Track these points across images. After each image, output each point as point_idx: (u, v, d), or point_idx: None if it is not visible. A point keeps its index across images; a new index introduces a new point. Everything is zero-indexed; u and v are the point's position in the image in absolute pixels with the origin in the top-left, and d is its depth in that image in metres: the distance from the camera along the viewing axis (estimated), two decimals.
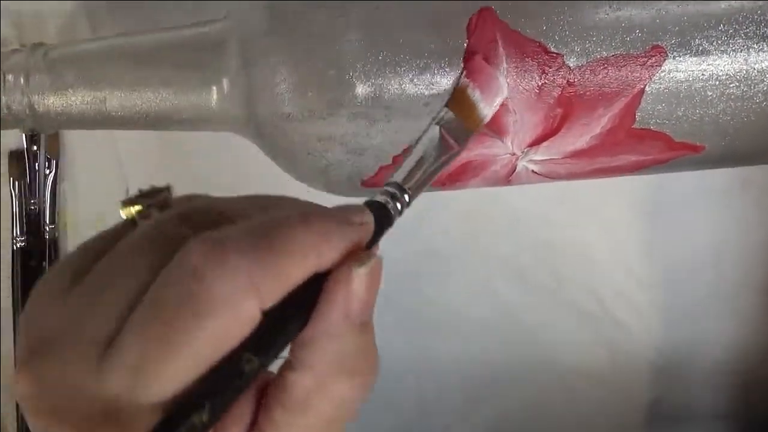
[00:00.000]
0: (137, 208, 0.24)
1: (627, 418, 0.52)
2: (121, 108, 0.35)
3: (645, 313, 0.50)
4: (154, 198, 0.25)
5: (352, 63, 0.31)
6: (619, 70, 0.30)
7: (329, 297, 0.22)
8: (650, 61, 0.30)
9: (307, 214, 0.22)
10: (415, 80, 0.31)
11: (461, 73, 0.31)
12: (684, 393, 0.52)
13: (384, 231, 0.26)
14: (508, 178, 0.34)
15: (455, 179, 0.34)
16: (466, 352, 0.51)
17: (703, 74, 0.31)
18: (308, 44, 0.31)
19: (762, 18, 0.30)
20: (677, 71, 0.31)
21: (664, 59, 0.30)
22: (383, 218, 0.27)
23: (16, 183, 0.46)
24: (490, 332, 0.51)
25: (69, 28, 0.44)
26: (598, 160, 0.33)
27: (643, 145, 0.32)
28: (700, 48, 0.30)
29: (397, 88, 0.31)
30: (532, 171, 0.34)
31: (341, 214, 0.23)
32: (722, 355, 0.51)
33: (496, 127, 0.32)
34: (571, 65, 0.30)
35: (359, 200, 0.38)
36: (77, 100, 0.35)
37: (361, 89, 0.31)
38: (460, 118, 0.30)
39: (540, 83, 0.31)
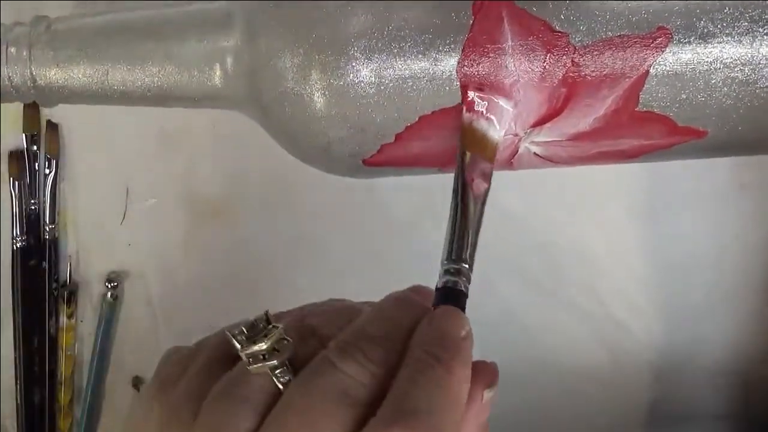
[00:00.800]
0: (271, 364, 0.25)
1: (627, 417, 0.52)
2: (123, 82, 0.35)
3: (645, 313, 0.50)
4: (283, 352, 0.25)
5: (356, 38, 0.31)
6: (624, 51, 0.30)
7: (469, 414, 0.26)
8: (655, 42, 0.30)
9: (436, 357, 0.25)
10: (419, 56, 0.31)
11: (462, 111, 0.31)
12: (684, 393, 0.51)
13: (465, 307, 0.29)
14: (510, 160, 0.34)
15: (454, 160, 0.34)
16: None
17: (707, 57, 0.31)
18: (312, 19, 0.31)
19: None
20: (682, 53, 0.31)
21: (669, 41, 0.30)
22: (462, 299, 0.29)
23: (16, 183, 0.46)
24: (490, 332, 0.50)
25: None
26: (601, 143, 0.33)
27: (647, 129, 0.32)
28: (706, 30, 0.30)
29: (401, 64, 0.31)
30: (535, 153, 0.34)
31: (451, 334, 0.27)
32: (722, 355, 0.51)
33: (498, 109, 0.32)
34: (577, 45, 0.30)
35: (360, 181, 0.38)
36: (79, 73, 0.35)
37: (365, 65, 0.31)
38: (476, 154, 0.31)
39: (545, 63, 0.31)
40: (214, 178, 0.48)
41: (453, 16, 0.31)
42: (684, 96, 0.31)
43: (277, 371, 0.25)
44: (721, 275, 0.49)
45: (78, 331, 0.50)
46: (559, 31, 0.30)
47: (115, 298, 0.49)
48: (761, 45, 0.30)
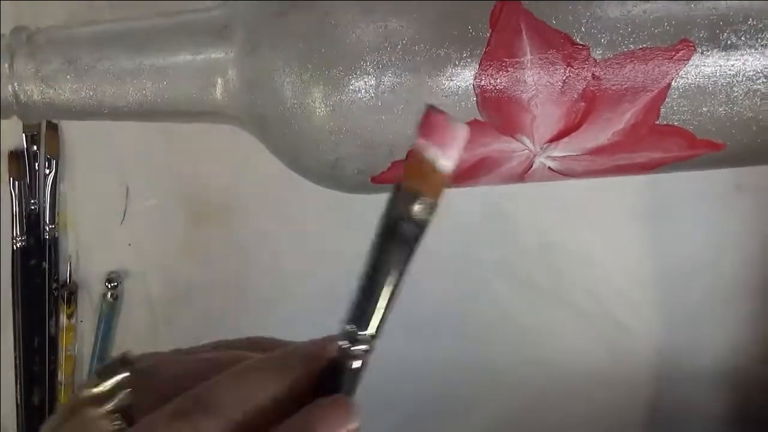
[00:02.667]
0: (103, 411, 0.23)
1: (627, 418, 0.52)
2: (113, 98, 0.33)
3: (645, 314, 0.51)
4: (119, 399, 0.23)
5: (368, 52, 0.29)
6: (646, 64, 0.29)
7: None
8: (678, 55, 0.29)
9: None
10: (434, 71, 0.29)
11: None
12: (683, 393, 0.52)
13: (353, 378, 0.24)
14: (524, 175, 0.33)
15: (468, 176, 0.33)
16: (465, 352, 0.51)
17: (730, 70, 0.30)
18: (322, 32, 0.30)
19: None
20: (704, 66, 0.30)
21: (692, 53, 0.29)
22: (355, 379, 0.24)
23: (16, 183, 0.46)
24: (490, 333, 0.51)
25: None
26: (618, 157, 0.32)
27: (665, 142, 0.31)
28: (729, 42, 0.29)
29: (415, 79, 0.30)
30: (549, 168, 0.33)
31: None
32: (722, 355, 0.51)
33: (512, 125, 0.30)
34: (597, 58, 0.29)
35: (368, 197, 0.37)
36: (66, 89, 0.33)
37: (377, 80, 0.30)
38: (420, 192, 0.24)
39: (564, 76, 0.29)
40: (215, 178, 0.47)
41: (469, 29, 0.29)
42: (705, 109, 0.30)
43: (114, 419, 0.23)
44: (720, 275, 0.49)
45: (78, 331, 0.49)
46: (580, 44, 0.29)
47: (115, 298, 0.48)
48: None
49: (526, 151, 0.31)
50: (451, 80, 0.29)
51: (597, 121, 0.30)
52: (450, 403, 0.52)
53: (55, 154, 0.45)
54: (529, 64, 0.29)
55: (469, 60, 0.29)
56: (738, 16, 0.29)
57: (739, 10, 0.29)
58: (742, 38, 0.29)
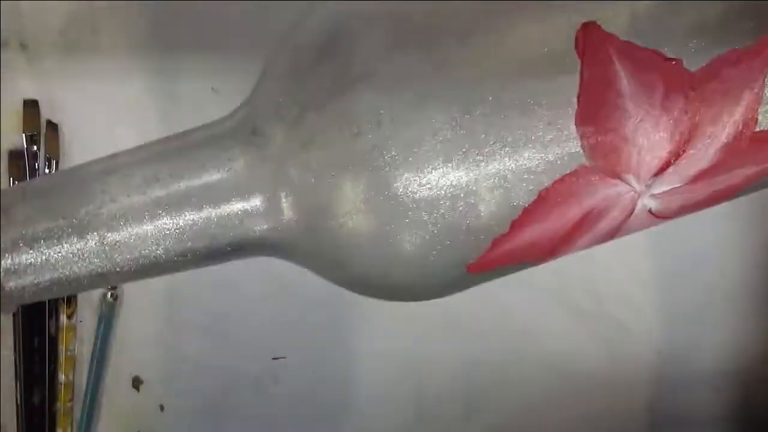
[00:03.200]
0: None
1: (627, 418, 0.51)
2: (129, 249, 0.26)
3: (645, 314, 0.50)
4: None
5: (444, 134, 0.25)
6: (738, 66, 0.27)
7: None
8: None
9: None
10: (532, 124, 0.25)
11: None
12: (684, 393, 0.51)
13: None
14: (622, 225, 0.29)
15: (566, 241, 0.28)
16: (465, 353, 0.51)
17: None
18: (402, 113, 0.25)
19: None
20: None
21: None
22: None
23: (16, 183, 0.45)
24: (490, 333, 0.51)
25: (70, 28, 0.43)
26: (716, 180, 0.29)
27: (763, 152, 0.29)
28: None
29: (512, 139, 0.25)
30: (649, 211, 0.29)
31: None
32: (722, 356, 0.52)
33: (618, 163, 0.27)
34: (692, 70, 0.26)
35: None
36: (62, 251, 0.26)
37: (479, 148, 0.25)
38: None
39: (663, 96, 0.26)
40: None
41: (556, 64, 0.25)
42: None
43: None
44: (722, 276, 0.51)
45: (78, 331, 0.49)
46: (673, 58, 0.26)
47: (115, 298, 0.49)
48: None
49: (631, 192, 0.27)
50: (549, 128, 0.25)
51: (699, 140, 0.27)
52: (450, 403, 0.51)
53: (55, 154, 0.45)
54: (627, 92, 0.26)
55: (564, 99, 0.25)
56: None
57: None
58: None
